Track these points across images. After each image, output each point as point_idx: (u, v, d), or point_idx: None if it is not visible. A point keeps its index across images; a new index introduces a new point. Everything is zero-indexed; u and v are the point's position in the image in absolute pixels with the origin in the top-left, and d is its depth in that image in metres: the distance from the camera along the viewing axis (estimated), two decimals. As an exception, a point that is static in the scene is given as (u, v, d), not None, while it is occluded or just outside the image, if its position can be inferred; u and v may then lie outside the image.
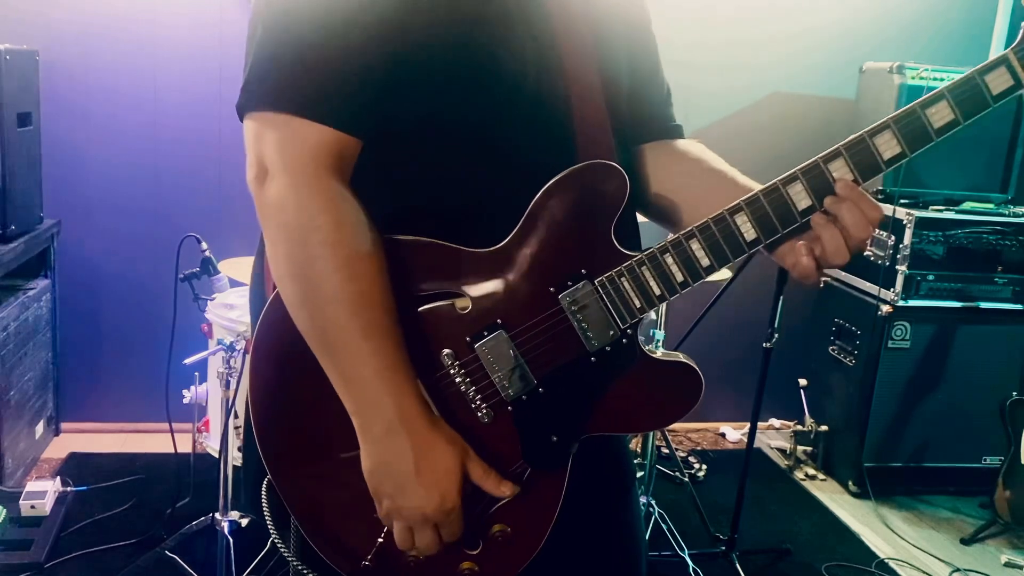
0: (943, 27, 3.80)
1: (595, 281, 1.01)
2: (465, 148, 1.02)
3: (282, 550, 1.10)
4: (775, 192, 0.99)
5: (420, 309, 1.01)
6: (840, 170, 0.99)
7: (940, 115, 0.97)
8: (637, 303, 1.01)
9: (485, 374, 1.02)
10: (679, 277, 1.01)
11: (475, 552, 1.05)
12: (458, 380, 1.02)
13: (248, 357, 1.11)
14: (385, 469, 0.98)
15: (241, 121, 0.99)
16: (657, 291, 1.01)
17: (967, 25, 3.83)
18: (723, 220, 1.00)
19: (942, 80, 3.24)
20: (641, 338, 1.05)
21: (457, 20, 0.98)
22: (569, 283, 1.01)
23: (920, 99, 0.97)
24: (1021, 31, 0.94)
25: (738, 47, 3.62)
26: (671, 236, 1.02)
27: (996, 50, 3.86)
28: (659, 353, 1.06)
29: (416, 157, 1.02)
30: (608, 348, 1.02)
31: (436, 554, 1.03)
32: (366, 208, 0.98)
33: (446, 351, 1.01)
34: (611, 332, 1.02)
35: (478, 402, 1.02)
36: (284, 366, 1.04)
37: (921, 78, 3.22)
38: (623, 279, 1.01)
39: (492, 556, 1.05)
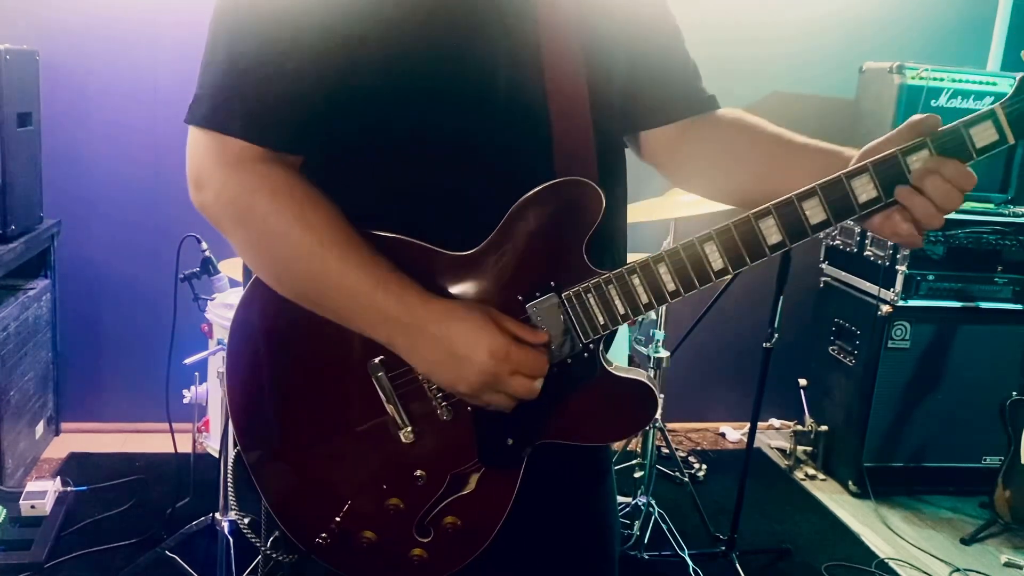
0: (943, 27, 3.80)
1: (562, 295, 1.03)
2: (439, 154, 1.02)
3: (248, 535, 1.13)
4: (746, 225, 0.99)
5: None
6: (814, 209, 0.98)
7: (919, 164, 0.96)
8: (601, 320, 1.03)
9: None
10: (644, 299, 1.02)
11: (426, 540, 1.09)
12: (421, 377, 1.04)
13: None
14: (436, 362, 1.00)
15: None
16: (622, 310, 1.03)
17: (967, 25, 3.83)
18: (692, 247, 1.01)
19: (941, 80, 3.24)
20: (622, 356, 1.06)
21: (421, 29, 0.98)
22: (537, 294, 1.02)
23: (903, 145, 0.97)
24: (1014, 85, 0.94)
25: (738, 47, 3.62)
26: (641, 258, 1.03)
27: (996, 50, 3.87)
28: (616, 367, 1.07)
29: (390, 163, 1.03)
30: (569, 360, 1.04)
31: (389, 537, 1.07)
32: (305, 177, 1.00)
33: None
34: (573, 345, 1.04)
35: (439, 400, 1.05)
36: (256, 350, 1.08)
37: (921, 78, 3.22)
38: (589, 295, 1.02)
39: (441, 546, 1.09)
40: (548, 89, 1.04)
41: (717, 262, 1.00)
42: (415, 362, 1.01)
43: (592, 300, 1.02)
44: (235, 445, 1.13)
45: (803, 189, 0.98)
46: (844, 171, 0.97)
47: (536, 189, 1.00)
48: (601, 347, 1.06)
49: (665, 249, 1.02)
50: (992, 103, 0.96)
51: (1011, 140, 0.95)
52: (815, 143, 1.11)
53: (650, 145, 1.24)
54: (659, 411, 2.91)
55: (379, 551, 1.09)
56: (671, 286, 1.02)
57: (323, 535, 1.09)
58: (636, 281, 1.02)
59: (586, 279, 1.03)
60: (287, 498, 1.11)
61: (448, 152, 1.02)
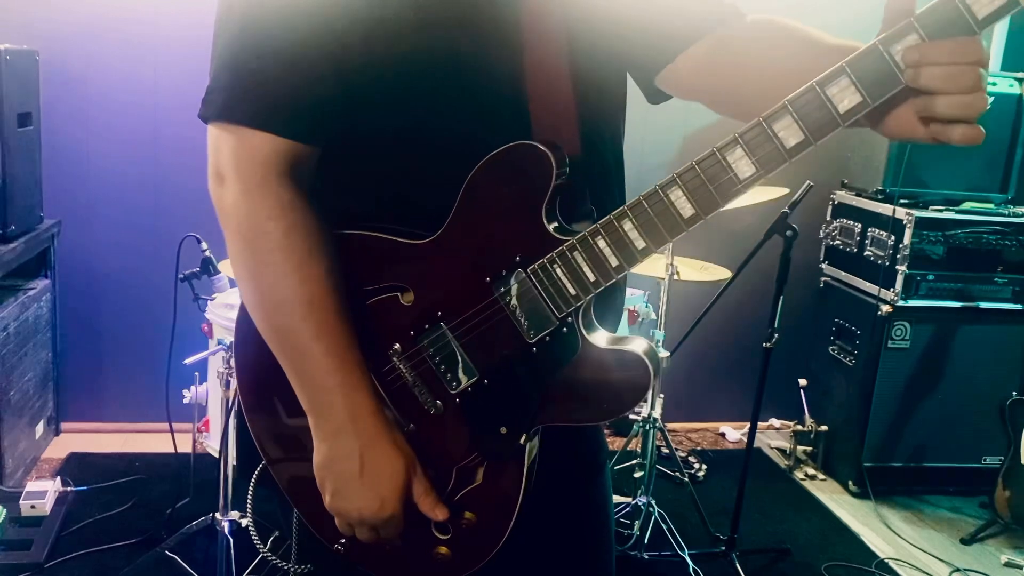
0: (943, 27, 3.79)
1: (528, 269, 0.97)
2: (424, 146, 1.01)
3: (259, 546, 1.13)
4: (710, 158, 0.89)
5: (368, 303, 1.03)
6: (787, 129, 0.86)
7: (910, 54, 0.82)
8: (572, 290, 0.96)
9: (430, 367, 1.03)
10: (613, 261, 0.94)
11: (446, 537, 1.08)
12: (405, 373, 1.04)
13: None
14: (331, 467, 1.02)
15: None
16: (592, 277, 0.95)
17: (967, 25, 3.82)
18: (655, 195, 0.91)
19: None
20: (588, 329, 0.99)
21: (425, 27, 0.97)
22: (503, 272, 0.98)
23: (884, 34, 0.82)
24: None
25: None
26: (603, 218, 0.95)
27: (996, 50, 3.86)
28: (608, 337, 1.01)
29: (376, 155, 1.03)
30: (548, 338, 0.99)
31: (412, 539, 1.06)
32: (319, 211, 1.00)
33: (394, 346, 1.03)
34: (548, 322, 0.98)
35: (426, 395, 1.04)
36: (265, 353, 1.06)
37: (921, 78, 3.22)
38: (555, 266, 0.96)
39: (462, 543, 1.08)
40: (529, 78, 1.02)
41: (686, 209, 0.90)
42: (320, 451, 1.02)
43: (559, 271, 0.96)
44: (259, 460, 1.12)
45: (771, 109, 0.87)
46: (817, 79, 0.84)
47: (482, 161, 0.96)
48: (581, 320, 0.98)
49: (628, 203, 0.93)
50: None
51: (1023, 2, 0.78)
52: (841, 43, 0.96)
53: (683, 76, 1.14)
54: (658, 412, 2.92)
55: (403, 551, 1.08)
56: (640, 243, 0.93)
57: (342, 540, 1.09)
58: (602, 244, 0.94)
59: (550, 249, 0.96)
60: (312, 503, 1.10)
61: (428, 152, 1.02)
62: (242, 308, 1.09)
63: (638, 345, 0.99)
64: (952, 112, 0.83)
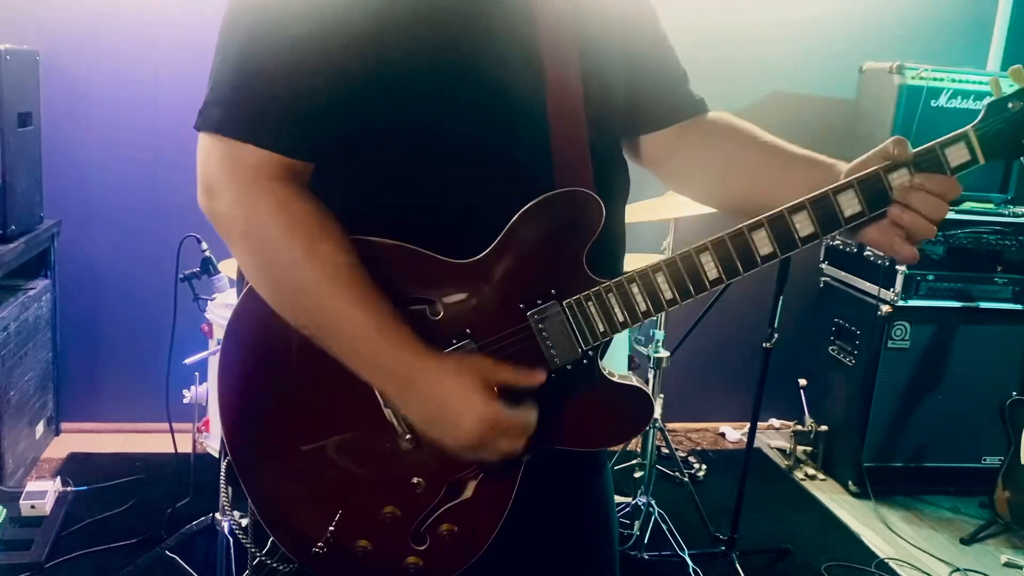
0: (943, 27, 3.80)
1: (563, 303, 1.04)
2: (440, 160, 1.03)
3: (243, 540, 1.14)
4: (739, 237, 1.03)
5: None
6: (803, 222, 1.02)
7: (900, 181, 1.02)
8: (601, 327, 1.05)
9: None
10: (643, 307, 1.05)
11: (422, 548, 1.08)
12: None
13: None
14: (424, 420, 1.02)
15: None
16: (621, 318, 1.05)
17: (967, 25, 3.83)
18: (688, 257, 1.04)
19: (941, 80, 3.24)
20: (603, 364, 1.09)
21: (441, 36, 0.98)
22: (539, 301, 1.04)
23: (885, 164, 1.02)
24: (983, 110, 1.01)
25: (738, 47, 3.62)
26: (639, 267, 1.06)
27: (996, 50, 3.87)
28: (615, 375, 1.09)
29: (393, 163, 1.03)
30: (569, 367, 1.06)
31: (385, 546, 1.08)
32: (319, 201, 1.00)
33: None
34: (573, 352, 1.05)
35: None
36: (250, 360, 1.08)
37: (921, 78, 3.22)
38: (590, 303, 1.05)
39: (437, 553, 1.08)
40: (548, 97, 1.05)
41: (712, 271, 1.04)
42: (407, 413, 1.03)
43: (592, 308, 1.05)
44: (225, 456, 1.12)
45: (793, 203, 1.02)
46: (831, 187, 1.02)
47: (538, 199, 1.01)
48: (600, 354, 1.07)
49: (663, 259, 1.04)
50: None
51: (982, 160, 1.01)
52: (807, 154, 1.14)
53: (647, 150, 1.27)
54: (658, 412, 2.92)
55: (373, 560, 1.08)
56: (668, 294, 1.05)
57: (318, 545, 1.08)
58: (635, 290, 1.05)
59: (586, 287, 1.04)
60: (281, 509, 1.11)
61: (450, 158, 1.02)
62: (233, 316, 1.09)
63: (639, 382, 1.11)
64: (912, 228, 1.03)
